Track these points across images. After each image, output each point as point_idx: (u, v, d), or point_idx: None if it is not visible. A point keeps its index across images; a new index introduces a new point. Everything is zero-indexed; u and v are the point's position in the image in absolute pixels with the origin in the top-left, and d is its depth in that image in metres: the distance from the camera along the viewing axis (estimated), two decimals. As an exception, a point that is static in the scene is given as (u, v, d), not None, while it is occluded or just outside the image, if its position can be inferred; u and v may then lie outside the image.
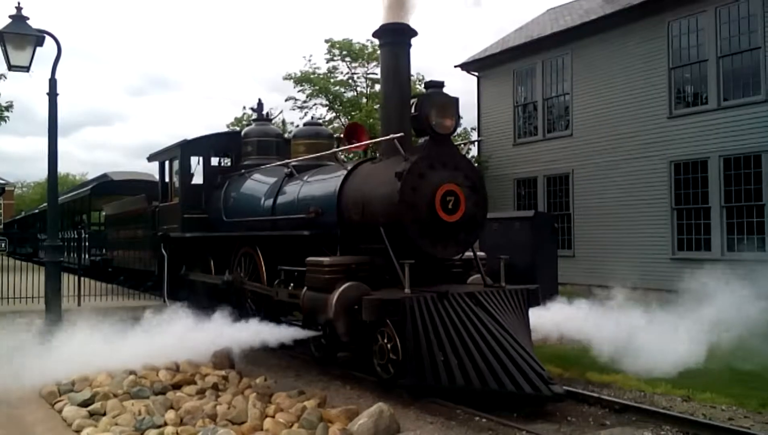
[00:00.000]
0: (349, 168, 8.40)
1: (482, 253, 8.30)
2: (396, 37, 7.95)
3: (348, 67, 27.83)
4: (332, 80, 27.50)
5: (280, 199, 9.63)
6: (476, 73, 22.16)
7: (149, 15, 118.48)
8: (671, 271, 15.38)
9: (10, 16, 9.43)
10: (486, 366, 6.27)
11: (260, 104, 12.54)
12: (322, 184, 8.87)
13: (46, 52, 9.81)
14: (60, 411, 6.41)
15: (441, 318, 6.53)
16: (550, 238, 12.28)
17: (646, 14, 16.32)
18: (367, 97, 27.27)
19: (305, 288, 7.75)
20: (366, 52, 27.05)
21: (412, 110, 7.40)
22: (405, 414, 6.22)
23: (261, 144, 11.68)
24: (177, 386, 7.13)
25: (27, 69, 9.58)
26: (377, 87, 28.18)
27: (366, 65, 27.71)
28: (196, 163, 12.31)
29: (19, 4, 9.42)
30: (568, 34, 18.51)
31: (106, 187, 20.86)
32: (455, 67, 22.36)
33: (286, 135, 13.04)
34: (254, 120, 12.28)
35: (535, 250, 11.22)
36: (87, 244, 18.49)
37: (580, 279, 16.63)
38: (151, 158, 13.45)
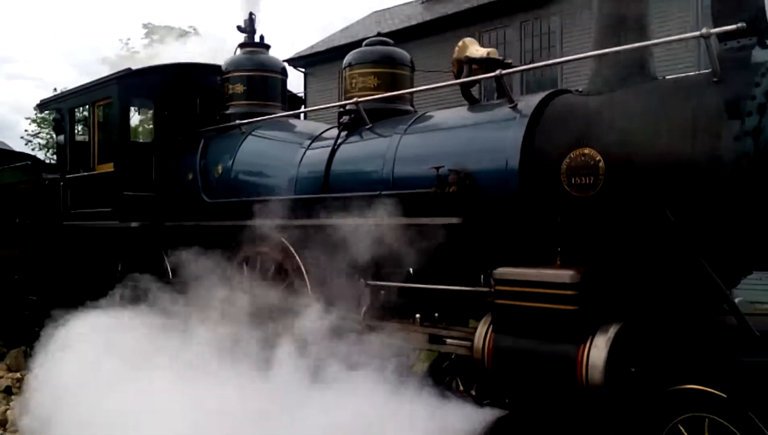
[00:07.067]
0: (524, 109, 4.77)
1: None
2: None
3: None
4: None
5: (339, 166, 6.01)
6: (303, 70, 22.28)
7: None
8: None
9: None
10: None
11: (251, 20, 7.91)
12: (464, 134, 5.28)
13: None
14: None
15: None
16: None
17: (461, 24, 17.39)
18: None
19: (488, 330, 4.35)
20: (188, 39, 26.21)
21: None
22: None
23: (257, 82, 7.60)
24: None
25: None
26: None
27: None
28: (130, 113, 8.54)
29: None
30: (390, 37, 19.10)
31: None
32: (283, 61, 22.30)
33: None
34: (242, 45, 7.90)
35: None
36: None
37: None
38: (43, 106, 9.37)
